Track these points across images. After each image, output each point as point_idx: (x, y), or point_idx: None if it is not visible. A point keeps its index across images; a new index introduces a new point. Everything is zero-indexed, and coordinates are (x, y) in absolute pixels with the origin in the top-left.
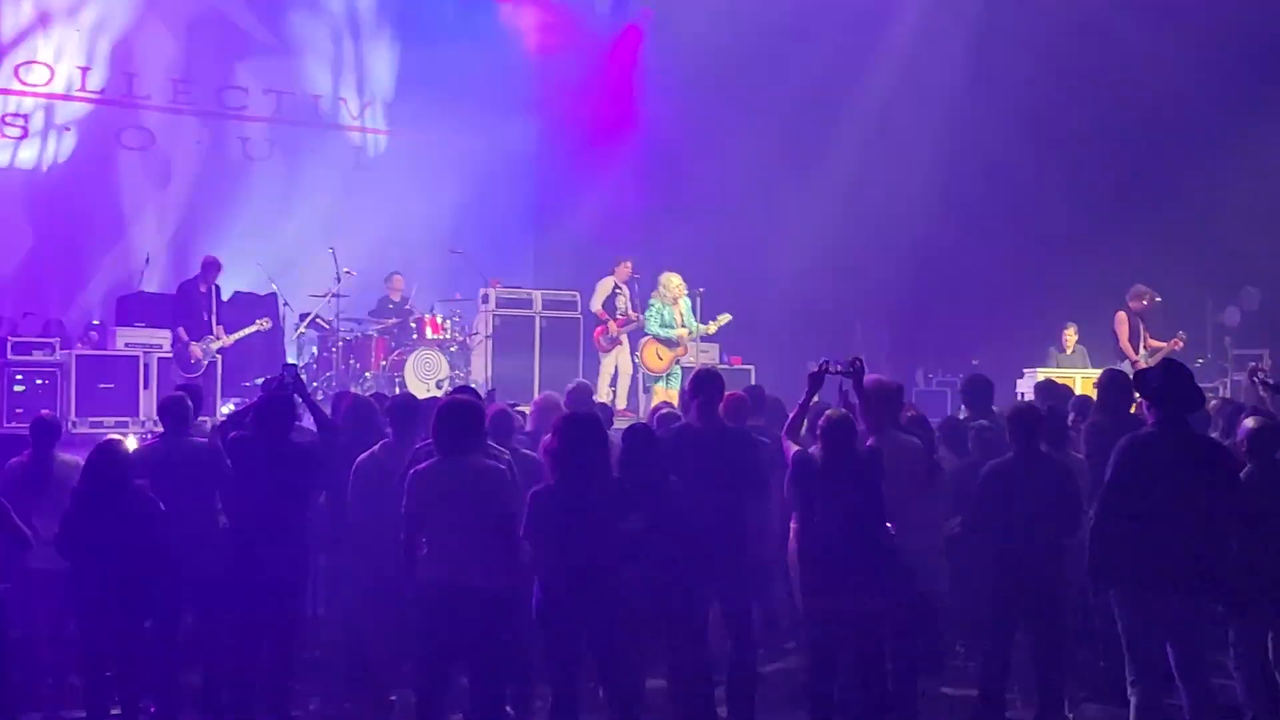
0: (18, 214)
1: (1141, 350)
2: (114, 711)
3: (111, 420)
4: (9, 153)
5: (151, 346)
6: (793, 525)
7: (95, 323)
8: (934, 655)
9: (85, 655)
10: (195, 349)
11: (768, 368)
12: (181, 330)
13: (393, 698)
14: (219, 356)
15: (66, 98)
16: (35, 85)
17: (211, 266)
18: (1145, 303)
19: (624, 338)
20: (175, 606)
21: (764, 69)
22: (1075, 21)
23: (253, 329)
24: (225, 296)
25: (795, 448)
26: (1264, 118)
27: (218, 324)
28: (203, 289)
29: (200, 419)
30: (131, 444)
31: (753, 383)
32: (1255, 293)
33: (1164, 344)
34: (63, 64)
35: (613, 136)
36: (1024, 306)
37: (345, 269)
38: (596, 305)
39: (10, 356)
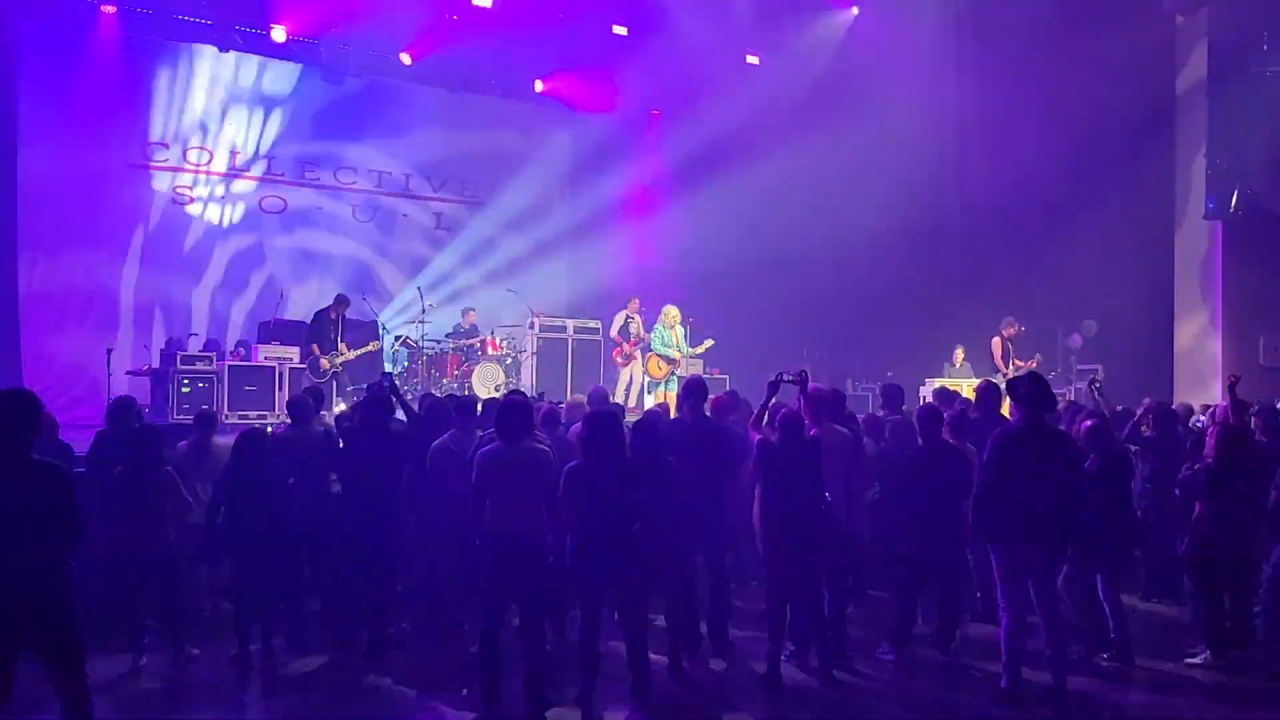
0: (184, 260)
1: (1010, 366)
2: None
3: (254, 414)
4: (179, 215)
5: (284, 359)
6: (757, 493)
7: (242, 341)
8: (858, 588)
9: (237, 586)
10: (324, 361)
11: (739, 377)
12: (315, 346)
13: (464, 625)
14: (341, 368)
15: (221, 174)
16: (199, 165)
17: (341, 300)
18: (1013, 330)
19: (637, 354)
20: (297, 551)
21: (736, 160)
22: (966, 117)
23: (367, 349)
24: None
25: (759, 436)
26: (1099, 195)
27: (342, 342)
28: (333, 316)
29: (321, 413)
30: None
31: (728, 388)
32: (1093, 324)
33: (1027, 362)
34: (221, 150)
35: (628, 205)
36: (925, 332)
37: (428, 303)
38: (614, 331)
39: (179, 366)
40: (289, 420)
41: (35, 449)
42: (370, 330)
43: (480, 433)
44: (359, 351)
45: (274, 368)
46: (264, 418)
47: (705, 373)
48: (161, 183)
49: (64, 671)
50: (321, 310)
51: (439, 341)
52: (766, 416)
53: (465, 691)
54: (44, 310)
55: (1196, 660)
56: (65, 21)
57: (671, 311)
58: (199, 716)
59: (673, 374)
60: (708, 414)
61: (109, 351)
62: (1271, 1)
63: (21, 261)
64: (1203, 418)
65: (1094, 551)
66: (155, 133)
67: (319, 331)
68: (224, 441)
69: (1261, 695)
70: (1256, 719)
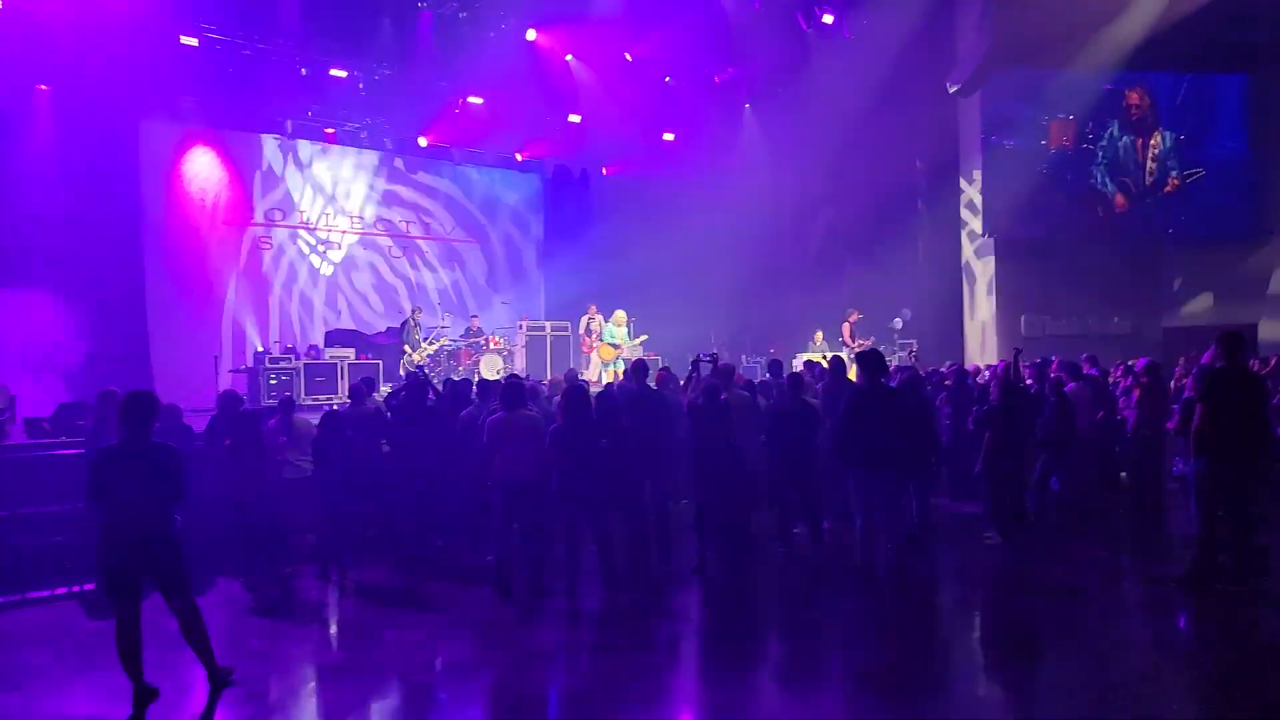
0: (267, 289)
1: (855, 343)
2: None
3: (323, 397)
4: (261, 257)
5: (343, 358)
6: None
7: (313, 346)
8: (756, 502)
9: (318, 522)
10: (411, 355)
11: (669, 357)
12: (406, 346)
13: (481, 541)
14: (426, 359)
15: (296, 227)
16: (278, 221)
17: (416, 310)
18: (855, 317)
19: (597, 344)
20: (361, 496)
21: (659, 207)
22: (819, 164)
23: (436, 345)
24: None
25: (688, 398)
26: (911, 220)
27: (424, 341)
28: (412, 322)
29: (372, 394)
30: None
31: (663, 366)
32: (908, 312)
33: (865, 340)
34: (293, 210)
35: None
36: (795, 319)
37: (445, 313)
38: (581, 329)
39: (267, 365)
40: (349, 401)
41: (155, 433)
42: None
43: (492, 405)
44: (432, 347)
45: (336, 364)
46: (330, 400)
47: (644, 355)
48: (247, 236)
49: (174, 595)
50: (406, 320)
51: (455, 341)
52: (691, 386)
53: (490, 558)
54: (167, 329)
55: (990, 540)
56: (175, 120)
57: (619, 315)
58: (294, 617)
59: (619, 358)
60: (651, 385)
61: (216, 358)
62: (1023, 89)
63: (148, 294)
64: (986, 373)
65: (912, 471)
66: (243, 199)
67: (402, 334)
68: (300, 418)
69: (1033, 558)
70: (1028, 576)
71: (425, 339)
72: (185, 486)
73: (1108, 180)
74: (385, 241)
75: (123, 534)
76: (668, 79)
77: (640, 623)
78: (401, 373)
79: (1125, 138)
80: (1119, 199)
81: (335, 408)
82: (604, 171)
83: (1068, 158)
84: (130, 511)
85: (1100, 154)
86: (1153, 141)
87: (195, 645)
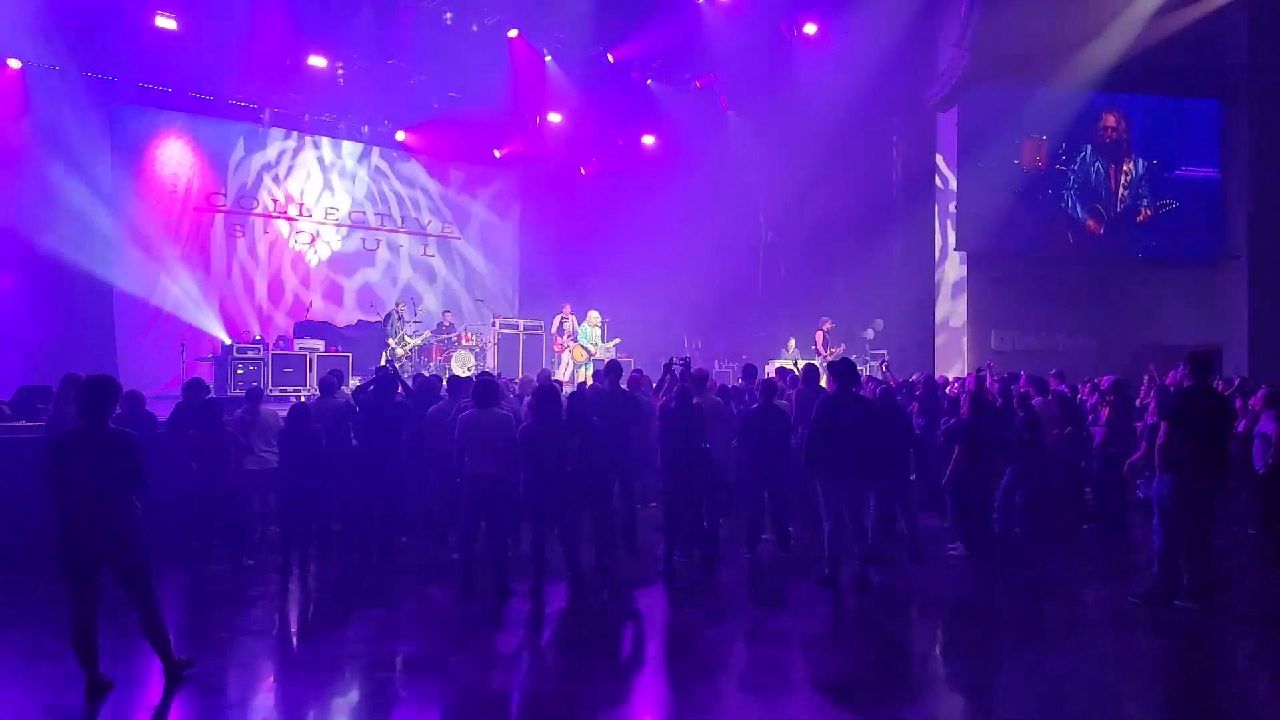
0: (238, 277)
1: (827, 351)
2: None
3: (291, 388)
4: (233, 245)
5: (312, 349)
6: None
7: (281, 336)
8: (726, 506)
9: (282, 514)
10: (396, 349)
11: (641, 359)
12: (390, 339)
13: (447, 538)
14: (412, 351)
15: (270, 215)
16: (249, 209)
17: (400, 301)
18: (828, 326)
19: (569, 344)
20: (326, 489)
21: (638, 209)
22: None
23: (423, 337)
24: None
25: (660, 402)
26: (884, 232)
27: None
28: (397, 315)
29: (341, 387)
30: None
31: (635, 368)
32: (880, 322)
33: (837, 348)
34: (264, 197)
35: (562, 240)
36: (769, 327)
37: (420, 307)
38: (554, 328)
39: (235, 354)
40: (318, 393)
41: (116, 420)
42: (378, 328)
43: (462, 402)
44: (422, 338)
45: (305, 355)
46: (298, 391)
47: (618, 357)
48: (219, 223)
49: (134, 587)
50: (390, 312)
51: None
52: (664, 390)
53: (455, 555)
54: (133, 317)
55: (955, 551)
56: (149, 104)
57: (593, 315)
58: (254, 609)
59: (590, 360)
60: (623, 386)
61: (183, 345)
62: (1000, 106)
63: (115, 278)
64: (955, 385)
65: (884, 477)
66: (218, 186)
67: (385, 327)
68: (267, 409)
69: (997, 572)
70: (992, 589)
71: (410, 332)
72: (144, 474)
73: (1078, 205)
74: (359, 234)
75: (80, 521)
76: (649, 82)
77: (604, 625)
78: (383, 364)
79: (1098, 163)
80: (1090, 223)
81: (304, 400)
82: (582, 171)
83: (1041, 177)
84: (88, 499)
85: (1071, 178)
86: (1125, 168)
87: (151, 636)
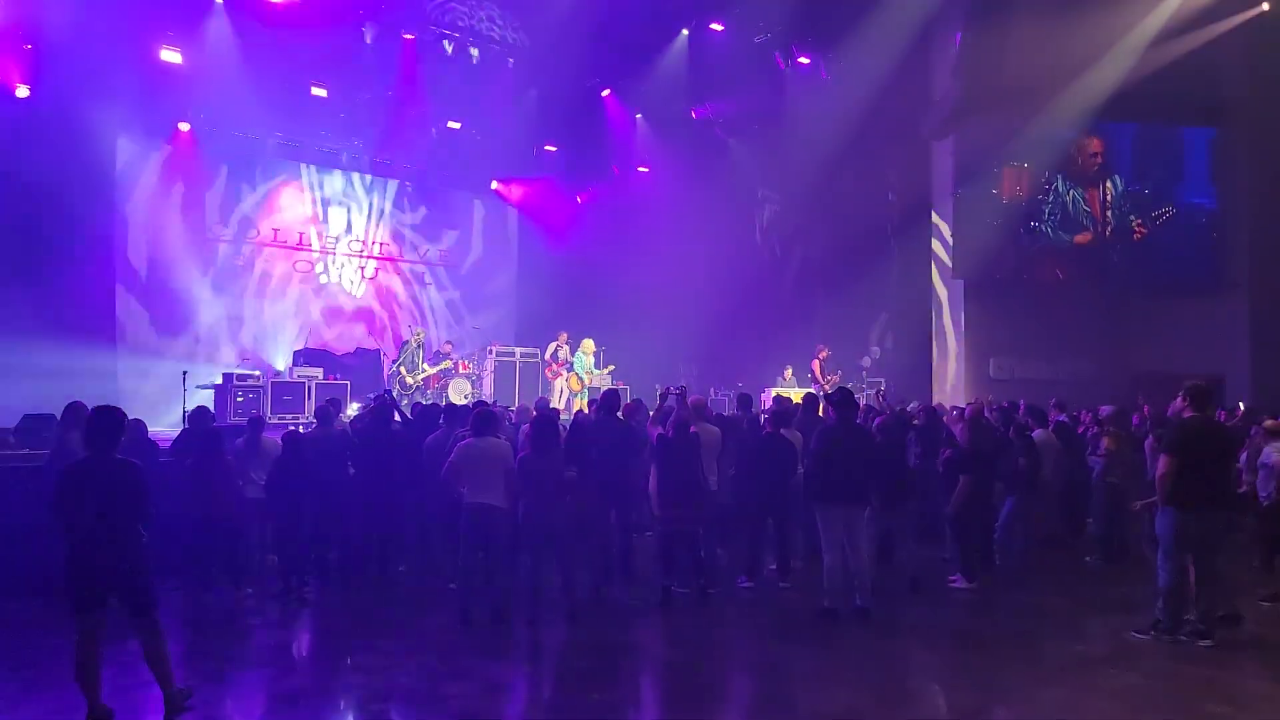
0: (238, 305)
1: (824, 379)
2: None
3: (289, 415)
4: (234, 274)
5: (311, 377)
6: (653, 471)
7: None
8: (723, 535)
9: (279, 541)
10: (407, 378)
11: (637, 387)
12: (401, 367)
13: (445, 567)
14: (422, 382)
15: (270, 244)
16: (251, 238)
17: (417, 331)
18: (824, 354)
19: (563, 371)
20: (323, 517)
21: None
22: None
23: (441, 367)
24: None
25: (658, 431)
26: (880, 260)
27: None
28: (415, 345)
29: (340, 416)
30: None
31: (633, 397)
32: (878, 350)
33: (834, 376)
34: (265, 228)
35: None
36: (765, 355)
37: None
38: (548, 355)
39: (236, 382)
40: (315, 422)
41: (121, 448)
42: (373, 358)
43: (459, 430)
44: (439, 368)
45: (304, 383)
46: (296, 419)
47: (613, 384)
48: (221, 252)
49: (139, 614)
50: (403, 342)
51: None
52: (660, 418)
53: (452, 584)
54: (137, 342)
55: (956, 584)
56: (153, 136)
57: (587, 344)
58: (252, 638)
59: (585, 389)
60: (620, 416)
61: (184, 374)
62: (995, 136)
63: (118, 306)
64: (954, 415)
65: (884, 507)
66: (219, 216)
67: (399, 357)
68: (269, 438)
69: (999, 604)
70: (994, 621)
71: (428, 361)
72: (151, 504)
73: (1060, 234)
74: (358, 262)
75: (89, 550)
76: (638, 116)
77: (602, 655)
78: (395, 393)
79: (1073, 191)
80: (1081, 250)
81: (299, 429)
82: (579, 200)
83: (1034, 204)
84: (96, 528)
85: (1046, 210)
86: (1105, 187)
87: (154, 665)
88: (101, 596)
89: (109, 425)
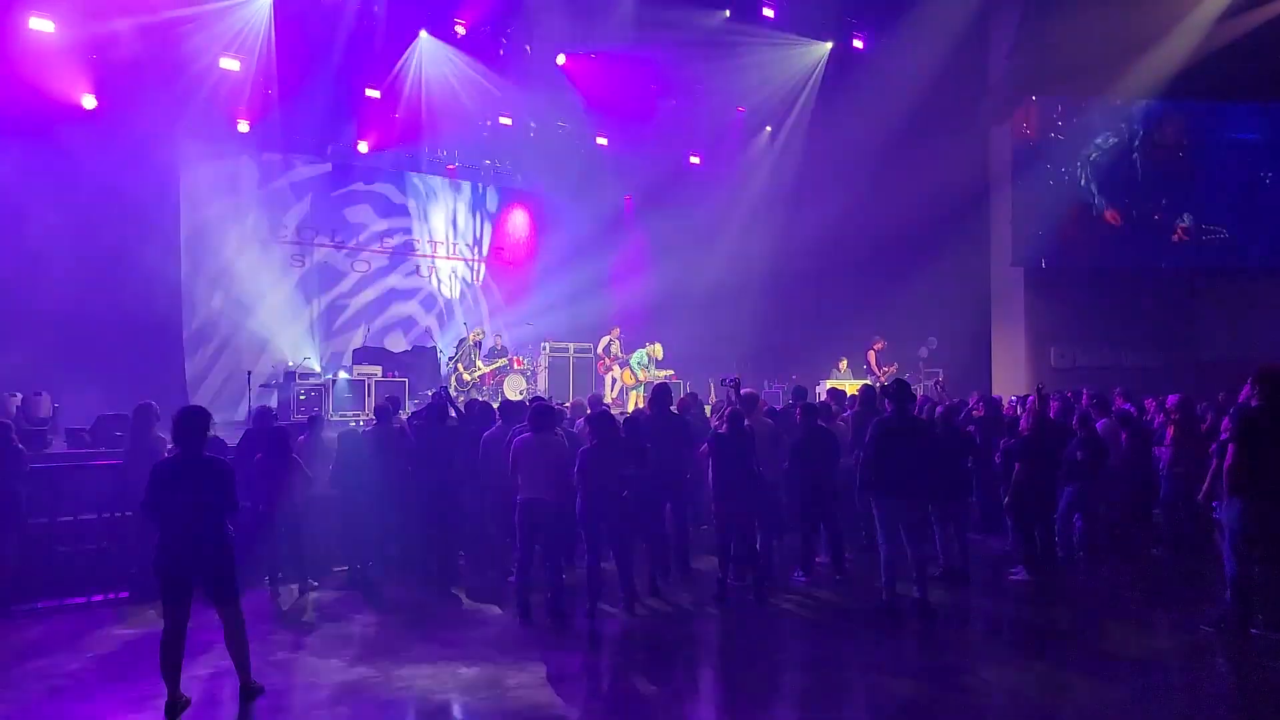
0: (298, 306)
1: (880, 371)
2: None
3: (350, 413)
4: (294, 275)
5: (370, 375)
6: (710, 466)
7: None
8: (779, 527)
9: (342, 536)
10: (464, 374)
11: (692, 383)
12: (458, 364)
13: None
14: (479, 380)
15: (329, 245)
16: (309, 241)
17: (476, 333)
18: (880, 345)
19: (615, 367)
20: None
21: (685, 230)
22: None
23: (498, 364)
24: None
25: (714, 424)
26: (939, 249)
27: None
28: (472, 342)
29: (399, 413)
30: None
31: (687, 390)
32: (934, 340)
33: (890, 367)
34: (325, 229)
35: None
36: (819, 347)
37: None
38: (600, 349)
39: (298, 381)
40: (375, 419)
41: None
42: (431, 355)
43: (517, 426)
44: (494, 365)
45: (364, 381)
46: (357, 416)
47: (666, 378)
48: (281, 253)
49: (225, 603)
50: (462, 339)
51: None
52: (718, 410)
53: (511, 578)
54: (203, 342)
55: (1017, 576)
56: (214, 139)
57: (657, 348)
58: (319, 629)
59: (640, 384)
60: (674, 410)
61: (249, 373)
62: (1054, 118)
63: (184, 313)
64: (1013, 405)
65: (943, 500)
66: (281, 218)
67: (458, 355)
68: (329, 435)
69: (1062, 597)
70: (1057, 615)
71: (483, 358)
72: (235, 499)
73: (1124, 217)
74: (414, 260)
75: (178, 542)
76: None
77: (660, 649)
78: (452, 391)
79: (1138, 173)
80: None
81: (356, 426)
82: (627, 197)
83: (1097, 190)
84: (186, 522)
85: (1110, 193)
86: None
87: (235, 654)
88: (188, 585)
89: (194, 424)
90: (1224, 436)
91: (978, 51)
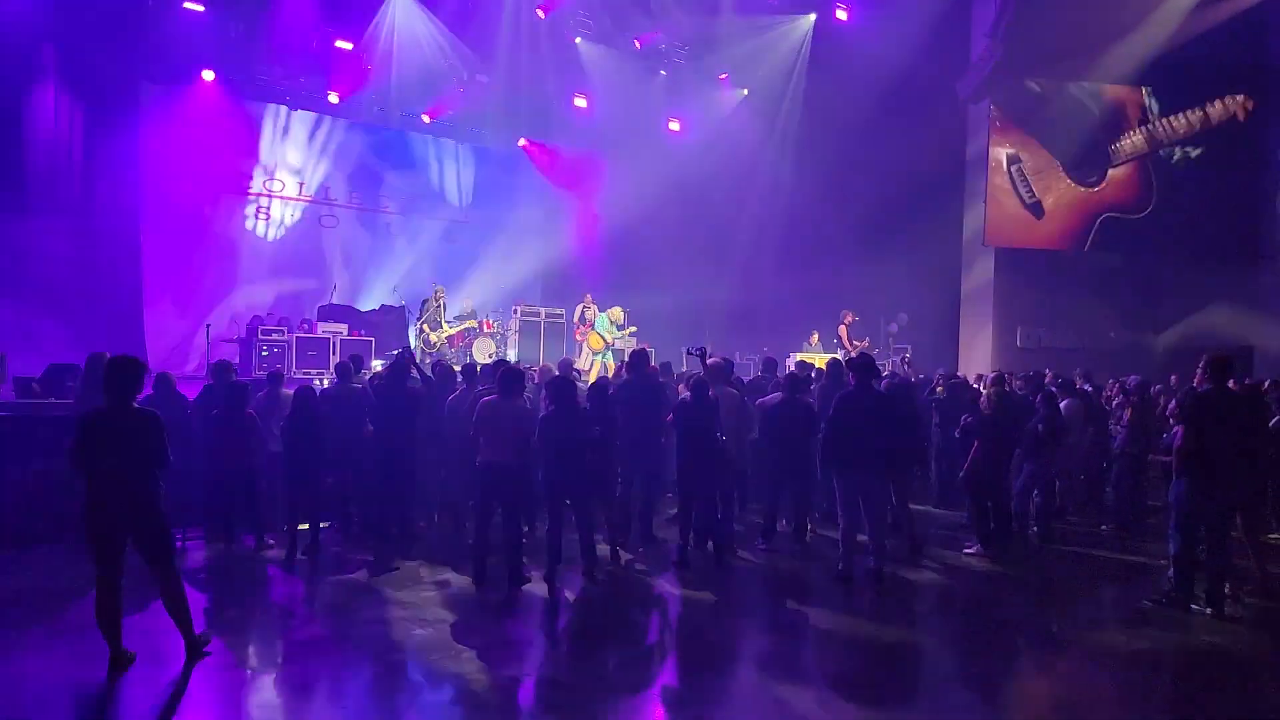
0: (263, 260)
1: (851, 345)
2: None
3: (314, 371)
4: (258, 227)
5: (335, 333)
6: (675, 435)
7: (305, 319)
8: (741, 499)
9: (293, 494)
10: (430, 335)
11: (663, 351)
12: (424, 324)
13: (464, 523)
14: (447, 341)
15: (294, 198)
16: (275, 192)
17: (439, 291)
18: (850, 320)
19: (588, 332)
20: (340, 472)
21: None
22: (820, 170)
23: (465, 325)
24: (364, 310)
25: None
26: (911, 227)
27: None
28: (436, 302)
29: (361, 372)
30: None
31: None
32: (905, 317)
33: (860, 342)
34: (290, 180)
35: (585, 227)
36: (791, 319)
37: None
38: (576, 318)
39: (260, 336)
40: (335, 378)
41: (152, 400)
42: (398, 314)
43: (481, 388)
44: (461, 327)
45: (329, 339)
46: (320, 374)
47: (637, 345)
48: (246, 205)
49: (156, 561)
50: (426, 299)
51: (449, 322)
52: (685, 379)
53: (470, 540)
54: (162, 294)
55: (971, 550)
56: (176, 83)
57: (616, 312)
58: (273, 587)
59: (607, 349)
60: (648, 376)
61: (208, 327)
62: (1032, 99)
63: (145, 264)
64: (977, 384)
65: (899, 472)
66: (242, 166)
67: (421, 315)
68: (288, 392)
69: (1012, 572)
70: (1007, 589)
71: (448, 319)
72: (166, 452)
73: (1109, 199)
74: (384, 217)
75: (107, 496)
76: (661, 72)
77: (615, 614)
78: (418, 353)
79: (1108, 157)
80: (1120, 217)
81: (323, 383)
82: (604, 159)
83: (1071, 170)
84: (114, 477)
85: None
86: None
87: (173, 612)
88: (118, 541)
89: (126, 375)
90: (1170, 420)
91: (959, 28)
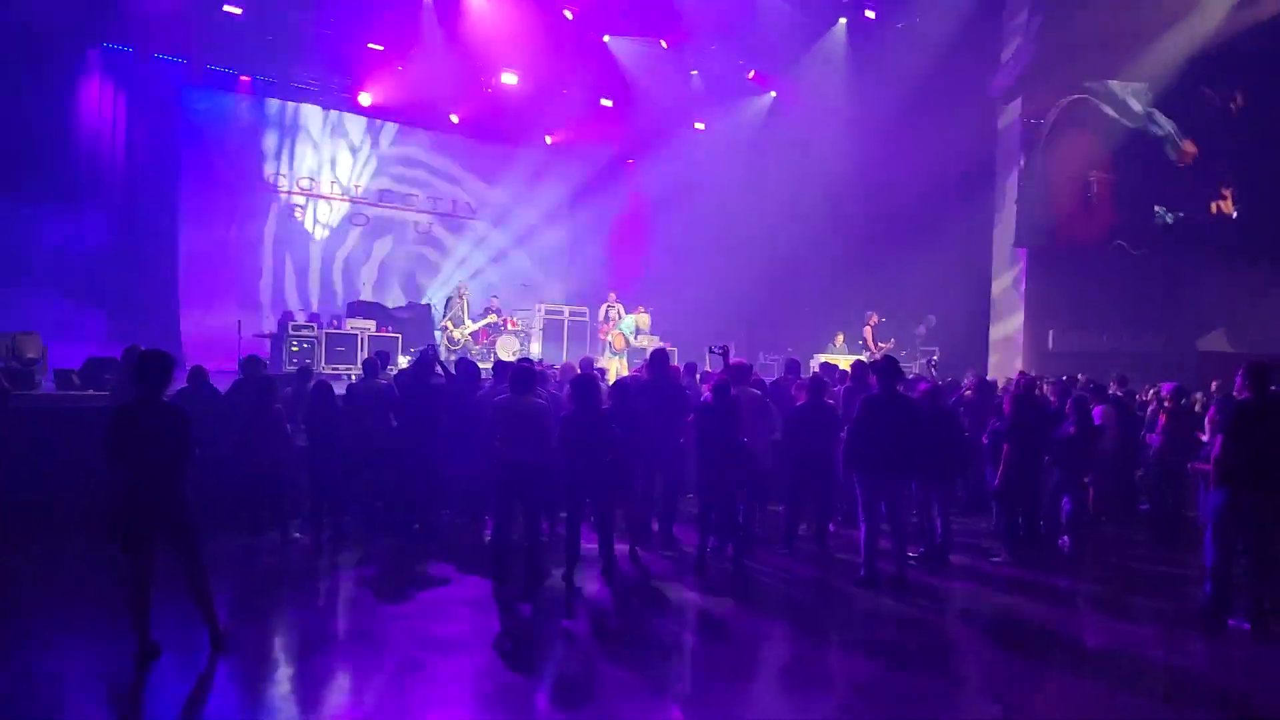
0: (295, 258)
1: (876, 347)
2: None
3: (343, 366)
4: (292, 226)
5: (364, 329)
6: (695, 435)
7: (335, 315)
8: (762, 497)
9: (316, 487)
10: (454, 332)
11: (687, 352)
12: (448, 321)
13: (486, 518)
14: (470, 337)
15: (327, 197)
16: (308, 191)
17: (463, 288)
18: (874, 321)
19: (611, 330)
20: (363, 466)
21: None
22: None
23: (486, 321)
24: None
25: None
26: (940, 227)
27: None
28: (459, 299)
29: (388, 368)
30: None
31: (675, 359)
32: (933, 319)
33: (886, 344)
34: (324, 180)
35: (611, 226)
36: (815, 320)
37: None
38: (600, 317)
39: (291, 332)
40: (361, 373)
41: (185, 394)
42: (425, 311)
43: (500, 387)
44: (484, 323)
45: (357, 335)
46: (349, 370)
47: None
48: (280, 204)
49: (184, 552)
50: (452, 296)
51: (474, 319)
52: (703, 380)
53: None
54: (198, 289)
55: (998, 560)
56: (215, 83)
57: (644, 318)
58: (297, 582)
59: (626, 348)
60: (670, 376)
61: (239, 322)
62: (1064, 96)
63: (180, 255)
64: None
65: (928, 480)
66: (278, 166)
67: (447, 312)
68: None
69: (1042, 583)
70: (1035, 600)
71: (473, 316)
72: (193, 447)
73: (1143, 201)
74: (415, 217)
75: (138, 488)
76: (694, 73)
77: (633, 615)
78: (443, 350)
79: (1167, 154)
80: (1154, 221)
81: (352, 378)
82: (629, 161)
83: (1107, 171)
84: (145, 469)
85: (1139, 171)
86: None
87: (201, 604)
88: (148, 533)
89: (157, 369)
90: (1210, 428)
91: (991, 28)
